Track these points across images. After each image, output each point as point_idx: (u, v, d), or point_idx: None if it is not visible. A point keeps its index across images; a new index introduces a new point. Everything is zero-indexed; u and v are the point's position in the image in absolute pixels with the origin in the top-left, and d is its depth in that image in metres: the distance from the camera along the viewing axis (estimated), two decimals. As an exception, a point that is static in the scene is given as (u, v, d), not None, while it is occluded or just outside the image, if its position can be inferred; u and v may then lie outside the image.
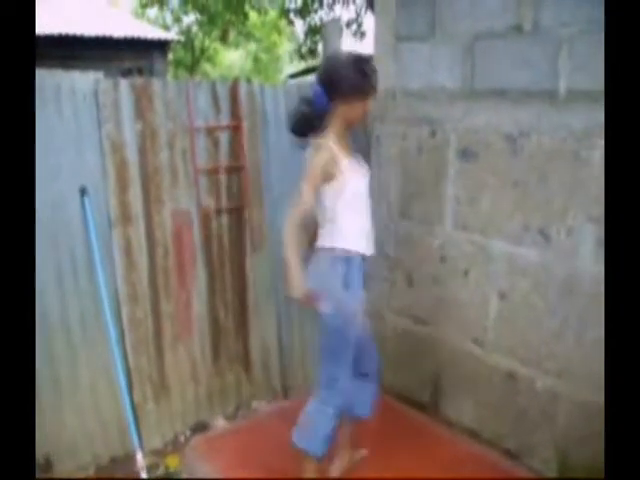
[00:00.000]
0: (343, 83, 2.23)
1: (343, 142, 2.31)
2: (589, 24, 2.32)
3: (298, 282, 2.21)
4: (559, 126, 2.47)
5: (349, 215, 2.32)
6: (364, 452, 2.80)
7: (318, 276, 2.30)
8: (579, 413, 2.58)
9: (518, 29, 2.55)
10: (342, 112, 2.26)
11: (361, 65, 2.25)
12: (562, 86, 2.43)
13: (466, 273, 2.93)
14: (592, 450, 2.54)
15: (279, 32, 19.32)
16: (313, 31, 9.56)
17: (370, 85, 2.27)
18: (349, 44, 9.75)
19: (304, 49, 11.00)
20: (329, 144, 2.24)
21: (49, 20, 10.72)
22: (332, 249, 2.31)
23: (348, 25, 9.50)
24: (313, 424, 2.42)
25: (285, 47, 20.23)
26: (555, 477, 2.68)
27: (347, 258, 2.31)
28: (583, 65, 2.36)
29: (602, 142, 2.33)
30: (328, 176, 2.23)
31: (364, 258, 2.39)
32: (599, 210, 2.37)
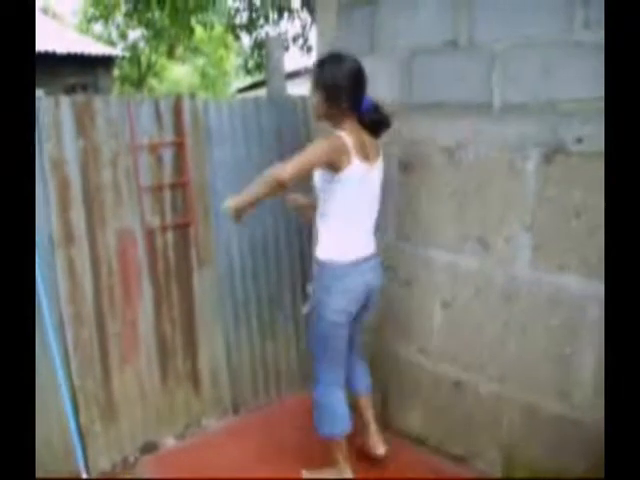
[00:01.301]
0: None
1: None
2: (520, 39, 2.41)
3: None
4: (495, 138, 2.55)
5: None
6: None
7: None
8: (521, 415, 2.65)
9: (454, 44, 2.63)
10: None
11: None
12: (496, 99, 2.52)
13: (408, 283, 2.98)
14: (534, 449, 2.62)
15: (226, 47, 19.34)
16: (259, 46, 9.60)
17: None
18: (296, 58, 9.81)
19: (250, 64, 11.03)
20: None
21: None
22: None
23: (294, 40, 9.57)
24: None
25: (232, 62, 20.24)
26: (500, 478, 2.74)
27: None
28: (515, 79, 2.45)
29: (535, 152, 2.42)
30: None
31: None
32: (534, 218, 2.46)
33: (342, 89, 2.41)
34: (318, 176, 2.47)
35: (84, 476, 2.78)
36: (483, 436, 2.82)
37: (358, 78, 2.47)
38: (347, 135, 2.41)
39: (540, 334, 2.53)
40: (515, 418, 2.68)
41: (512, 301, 2.60)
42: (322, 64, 2.49)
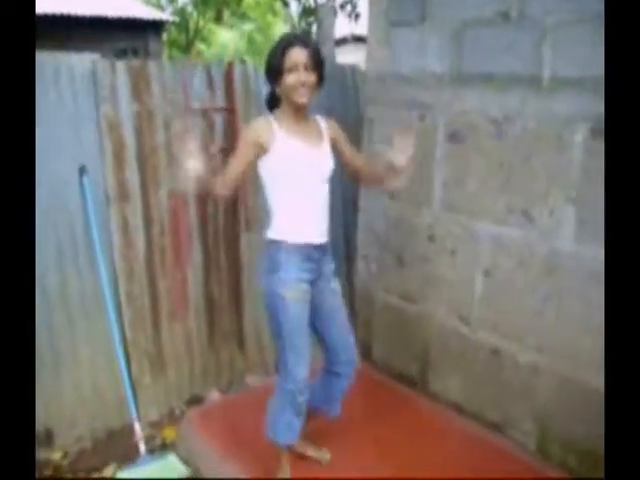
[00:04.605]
0: (265, 65, 2.31)
1: (292, 121, 2.31)
2: (572, 13, 2.40)
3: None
4: (543, 111, 2.56)
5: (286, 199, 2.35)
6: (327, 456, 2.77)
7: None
8: (558, 386, 2.69)
9: (505, 16, 2.63)
10: (280, 92, 2.29)
11: (278, 44, 2.27)
12: (546, 73, 2.52)
13: (453, 252, 3.03)
14: (568, 421, 2.67)
15: (274, 13, 19.25)
16: (307, 12, 9.54)
17: (278, 62, 2.23)
18: (344, 25, 9.75)
19: (298, 30, 10.99)
20: (267, 118, 2.32)
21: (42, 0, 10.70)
22: (273, 241, 2.35)
23: (342, 6, 9.48)
24: (272, 412, 2.50)
25: (280, 28, 20.14)
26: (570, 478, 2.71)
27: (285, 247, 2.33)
28: (566, 53, 2.44)
29: (583, 127, 2.42)
30: (259, 148, 2.26)
31: (316, 247, 2.37)
32: (579, 191, 2.48)
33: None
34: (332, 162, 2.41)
35: (137, 425, 2.92)
36: (519, 405, 2.87)
37: None
38: None
39: (580, 307, 2.56)
40: (551, 389, 2.72)
41: (554, 274, 2.63)
42: (307, 40, 2.39)
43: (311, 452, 2.75)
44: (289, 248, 2.31)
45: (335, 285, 2.48)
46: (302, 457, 2.71)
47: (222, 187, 2.30)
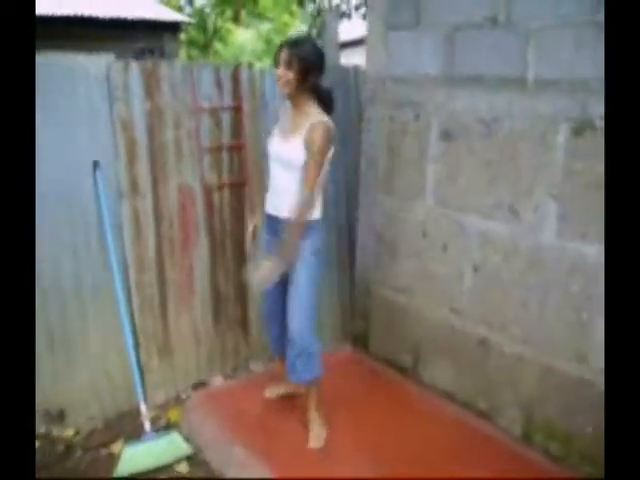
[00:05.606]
0: None
1: (292, 110, 2.74)
2: (555, 18, 2.54)
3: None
4: (528, 112, 2.70)
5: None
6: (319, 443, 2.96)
7: None
8: (540, 376, 2.82)
9: (493, 21, 2.77)
10: None
11: None
12: (530, 75, 2.66)
13: (444, 247, 3.17)
14: (551, 409, 2.80)
15: (291, 13, 19.45)
16: (320, 14, 9.71)
17: (275, 57, 2.64)
18: (358, 27, 9.88)
19: (314, 31, 11.15)
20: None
21: (63, 0, 10.96)
22: None
23: (357, 8, 9.65)
24: None
25: (297, 29, 20.32)
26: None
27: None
28: (548, 56, 2.58)
29: (565, 127, 2.56)
30: None
31: (274, 217, 2.82)
32: (560, 189, 2.61)
33: (316, 68, 2.64)
34: (300, 153, 2.63)
35: (143, 406, 3.07)
36: (505, 394, 3.00)
37: (324, 60, 2.70)
38: (323, 115, 2.68)
39: (560, 300, 2.69)
40: (534, 378, 2.85)
41: (536, 267, 2.76)
42: (297, 42, 2.66)
43: (312, 429, 2.97)
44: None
45: (298, 264, 2.75)
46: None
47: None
